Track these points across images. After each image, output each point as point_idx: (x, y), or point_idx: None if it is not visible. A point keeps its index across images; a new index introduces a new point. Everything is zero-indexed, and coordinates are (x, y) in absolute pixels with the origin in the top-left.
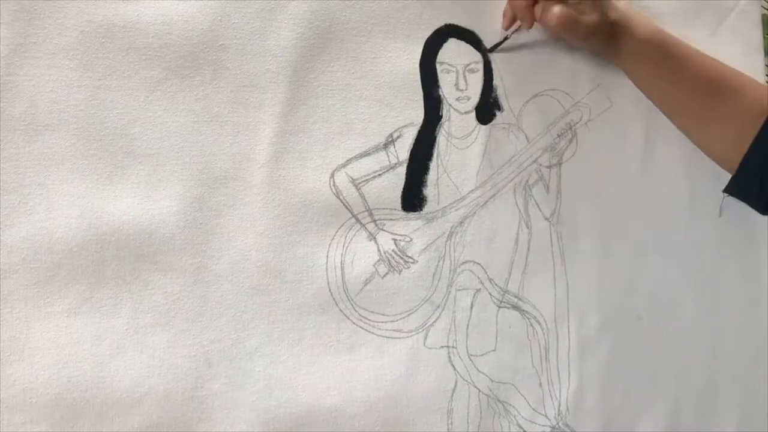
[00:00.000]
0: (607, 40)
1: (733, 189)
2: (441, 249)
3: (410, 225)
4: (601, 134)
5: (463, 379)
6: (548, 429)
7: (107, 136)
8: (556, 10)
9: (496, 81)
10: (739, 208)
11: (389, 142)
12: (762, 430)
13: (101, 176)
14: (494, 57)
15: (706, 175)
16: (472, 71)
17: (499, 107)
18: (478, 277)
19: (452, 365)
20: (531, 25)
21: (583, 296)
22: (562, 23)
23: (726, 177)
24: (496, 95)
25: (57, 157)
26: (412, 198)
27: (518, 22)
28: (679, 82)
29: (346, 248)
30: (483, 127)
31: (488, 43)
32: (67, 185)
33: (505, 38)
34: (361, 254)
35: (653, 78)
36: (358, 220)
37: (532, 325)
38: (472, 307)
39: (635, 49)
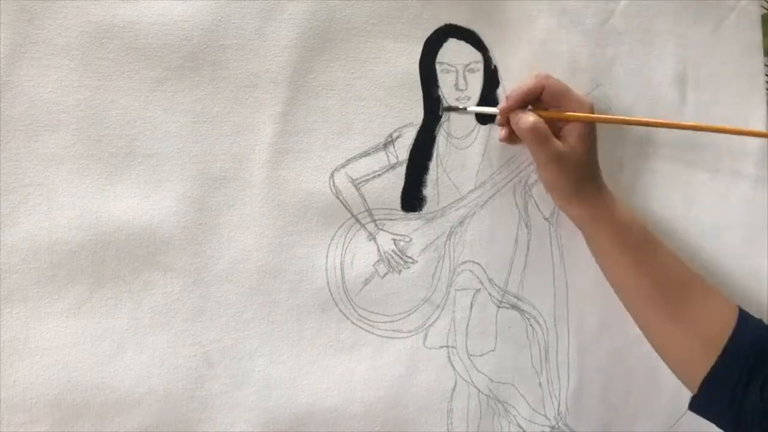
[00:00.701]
0: (577, 183)
1: (697, 408)
2: (440, 249)
3: (410, 225)
4: (600, 134)
5: (463, 379)
6: (548, 429)
7: (107, 136)
8: (531, 117)
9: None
10: (739, 207)
11: (389, 142)
12: None
13: (101, 176)
14: (494, 57)
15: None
16: (472, 71)
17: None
18: (478, 277)
19: (452, 365)
20: (506, 113)
21: (583, 296)
22: (531, 132)
23: None
24: (496, 95)
25: (57, 157)
26: (412, 198)
27: (496, 109)
28: (648, 270)
29: (346, 248)
30: (483, 127)
31: (488, 43)
32: (67, 185)
33: (463, 108)
34: (361, 254)
35: (621, 256)
36: (357, 220)
37: (531, 325)
38: (471, 307)
39: (610, 219)
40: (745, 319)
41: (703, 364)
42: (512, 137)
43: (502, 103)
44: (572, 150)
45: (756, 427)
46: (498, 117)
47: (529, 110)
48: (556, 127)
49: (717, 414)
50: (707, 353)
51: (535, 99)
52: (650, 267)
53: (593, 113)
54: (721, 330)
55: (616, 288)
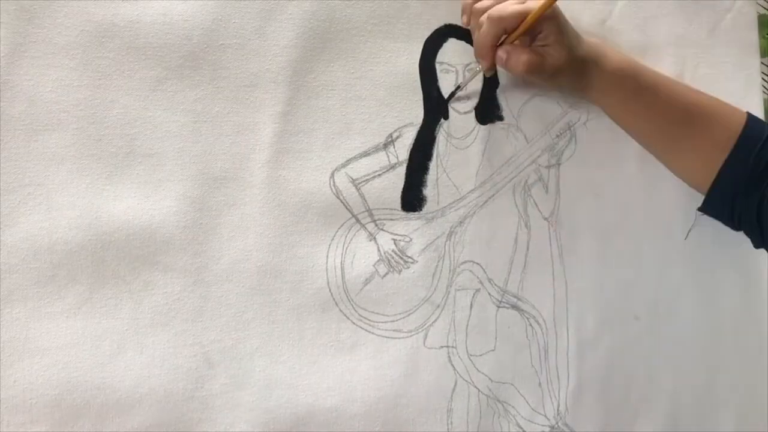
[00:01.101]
0: (577, 76)
1: (706, 208)
2: (440, 249)
3: (410, 225)
4: (599, 134)
5: (463, 379)
6: (547, 429)
7: (107, 136)
8: (524, 57)
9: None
10: None
11: (389, 142)
12: (761, 430)
13: (101, 176)
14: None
15: None
16: (472, 71)
17: (498, 107)
18: (478, 277)
19: (452, 365)
20: (491, 69)
21: (582, 296)
22: (530, 70)
23: None
24: (496, 95)
25: (57, 157)
26: (412, 198)
27: (477, 67)
28: (651, 112)
29: (346, 248)
30: (482, 127)
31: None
32: (67, 185)
33: (458, 87)
34: (361, 254)
35: (626, 110)
36: (358, 220)
37: (531, 324)
38: (471, 307)
39: (606, 83)
40: (750, 127)
41: (710, 175)
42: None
43: (480, 61)
44: (559, 55)
45: (756, 232)
46: (486, 70)
47: (502, 46)
48: (533, 39)
49: (721, 216)
50: (712, 167)
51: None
52: (655, 109)
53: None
54: (724, 142)
55: (633, 135)
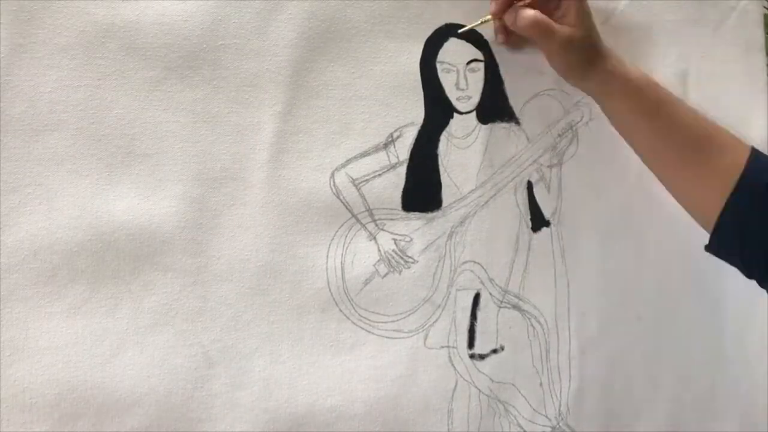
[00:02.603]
0: (589, 62)
1: (715, 241)
2: (441, 249)
3: (410, 225)
4: (601, 134)
5: (464, 380)
6: (549, 429)
7: (107, 136)
8: (530, 13)
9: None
10: None
11: (389, 141)
12: (763, 431)
13: (101, 176)
14: (495, 56)
15: None
16: (473, 71)
17: (499, 107)
18: (479, 277)
19: (452, 365)
20: (499, 15)
21: (584, 296)
22: (534, 27)
23: None
24: (497, 95)
25: (57, 157)
26: (413, 198)
27: (488, 16)
28: (665, 130)
29: (346, 248)
30: (483, 126)
31: (489, 43)
32: (67, 185)
33: (469, 27)
34: (361, 254)
35: (636, 122)
36: (358, 220)
37: (532, 325)
38: (472, 308)
39: (621, 86)
40: (756, 158)
41: (716, 207)
42: (512, 39)
43: (491, 8)
44: (575, 30)
45: (763, 268)
46: (495, 23)
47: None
48: (549, 13)
49: (729, 253)
50: (720, 197)
51: None
52: (665, 126)
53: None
54: (734, 173)
55: (636, 149)
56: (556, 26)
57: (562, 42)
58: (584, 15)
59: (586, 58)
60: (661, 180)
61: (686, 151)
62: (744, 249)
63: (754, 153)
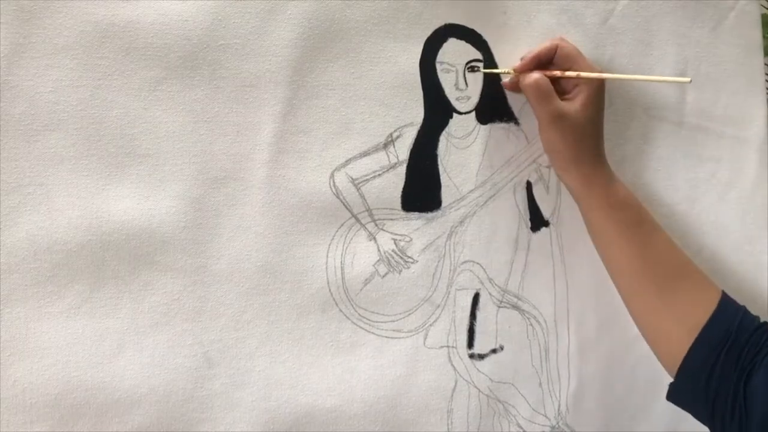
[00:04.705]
0: (577, 150)
1: (674, 396)
2: (441, 249)
3: (410, 225)
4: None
5: (463, 379)
6: (548, 429)
7: (107, 136)
8: (536, 74)
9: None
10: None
11: (389, 141)
12: None
13: (101, 176)
14: (495, 56)
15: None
16: (472, 71)
17: (499, 107)
18: (478, 277)
19: (452, 365)
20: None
21: (583, 296)
22: (535, 89)
23: None
24: (497, 95)
25: (57, 157)
26: (412, 198)
27: (510, 69)
28: (643, 251)
29: (346, 248)
30: (483, 126)
31: (489, 43)
32: (67, 185)
33: (477, 69)
34: (361, 254)
35: (617, 235)
36: (357, 220)
37: (531, 324)
38: (471, 307)
39: (607, 198)
40: (725, 305)
41: (681, 350)
42: (515, 89)
43: (518, 65)
44: (575, 112)
45: (728, 422)
46: (511, 77)
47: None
48: (564, 90)
49: (692, 404)
50: (687, 338)
51: (547, 61)
52: (642, 248)
53: (603, 83)
54: (702, 316)
55: (607, 265)
56: (557, 98)
57: (556, 112)
58: (591, 104)
59: (574, 140)
60: (626, 303)
61: (657, 277)
62: (708, 387)
63: (724, 300)
